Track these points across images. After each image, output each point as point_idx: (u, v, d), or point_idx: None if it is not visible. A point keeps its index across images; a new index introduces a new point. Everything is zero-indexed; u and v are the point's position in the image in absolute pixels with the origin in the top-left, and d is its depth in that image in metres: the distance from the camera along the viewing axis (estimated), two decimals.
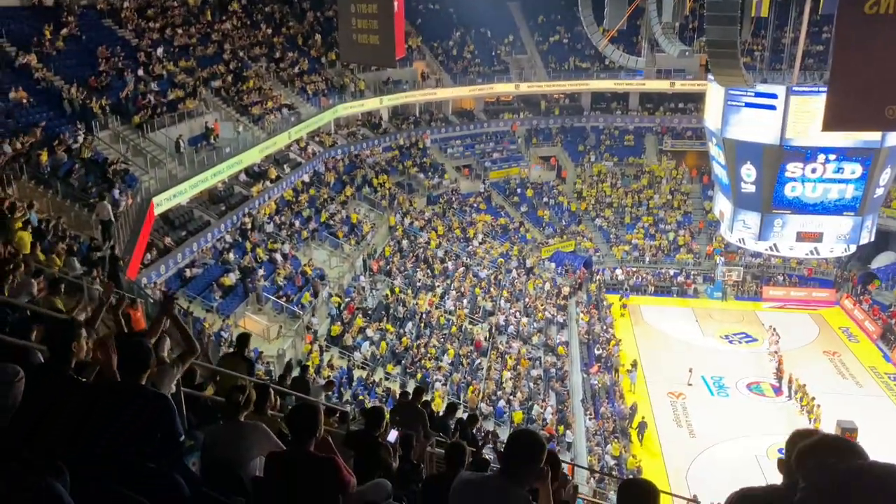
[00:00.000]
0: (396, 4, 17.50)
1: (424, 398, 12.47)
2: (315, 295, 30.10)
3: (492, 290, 38.61)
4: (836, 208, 24.44)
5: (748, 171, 24.95)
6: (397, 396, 21.40)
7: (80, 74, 27.71)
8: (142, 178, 25.52)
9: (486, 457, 8.75)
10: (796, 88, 23.57)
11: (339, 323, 29.54)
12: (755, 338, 37.62)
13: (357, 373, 27.38)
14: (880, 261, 42.70)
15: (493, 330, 34.50)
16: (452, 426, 11.93)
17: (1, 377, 3.93)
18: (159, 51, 33.17)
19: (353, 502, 4.65)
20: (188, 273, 26.59)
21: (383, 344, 29.61)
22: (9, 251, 10.81)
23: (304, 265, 31.72)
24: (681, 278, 44.07)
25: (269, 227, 32.88)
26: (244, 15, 42.64)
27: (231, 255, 29.00)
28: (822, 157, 23.54)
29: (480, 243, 43.57)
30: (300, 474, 4.33)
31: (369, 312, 31.70)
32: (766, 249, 27.65)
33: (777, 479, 3.30)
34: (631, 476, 23.07)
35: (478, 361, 31.25)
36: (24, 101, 23.98)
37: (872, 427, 25.62)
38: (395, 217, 40.96)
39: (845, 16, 12.52)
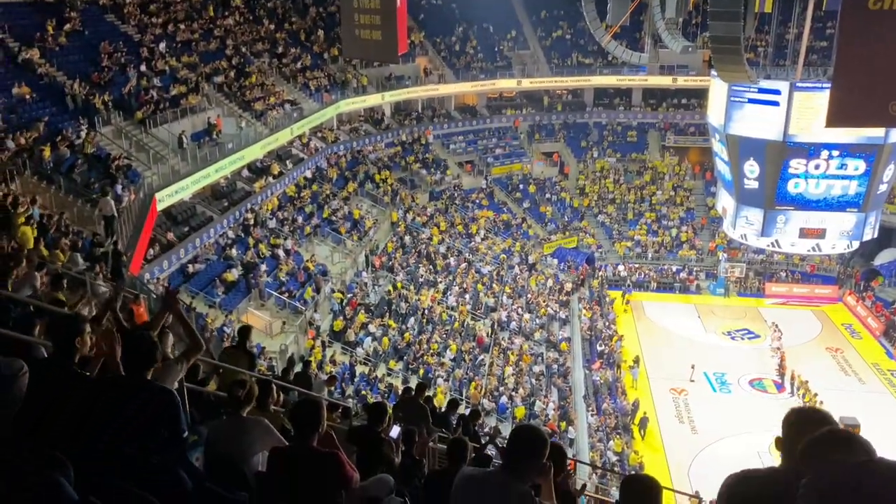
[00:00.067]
0: (399, 0, 17.48)
1: (427, 394, 12.49)
2: (317, 291, 30.11)
3: (494, 286, 38.62)
4: (839, 205, 24.38)
5: (751, 168, 24.90)
6: (400, 392, 21.42)
7: (83, 70, 27.76)
8: (144, 174, 25.55)
9: (489, 452, 8.76)
10: (800, 84, 23.50)
11: (341, 318, 29.56)
12: (758, 334, 37.60)
13: (359, 368, 27.41)
14: (883, 257, 42.62)
15: (496, 326, 34.51)
16: (454, 422, 11.94)
17: (5, 372, 3.94)
18: (162, 46, 33.17)
19: (355, 497, 4.66)
20: (191, 269, 26.62)
21: (385, 340, 29.62)
22: (12, 246, 10.83)
23: (307, 261, 31.73)
24: (683, 274, 44.04)
25: (272, 223, 32.89)
26: (247, 10, 42.64)
27: (233, 251, 29.02)
28: (825, 154, 23.47)
29: (483, 239, 43.57)
30: (303, 469, 4.34)
31: (371, 308, 31.71)
32: (768, 246, 27.62)
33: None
34: (633, 472, 23.08)
35: (480, 357, 31.29)
36: (27, 96, 24.02)
37: (875, 424, 25.56)
38: (397, 213, 40.96)
39: (849, 11, 12.50)
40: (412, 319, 32.19)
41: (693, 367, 32.92)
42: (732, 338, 37.60)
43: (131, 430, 3.72)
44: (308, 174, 38.67)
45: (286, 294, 28.51)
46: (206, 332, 19.81)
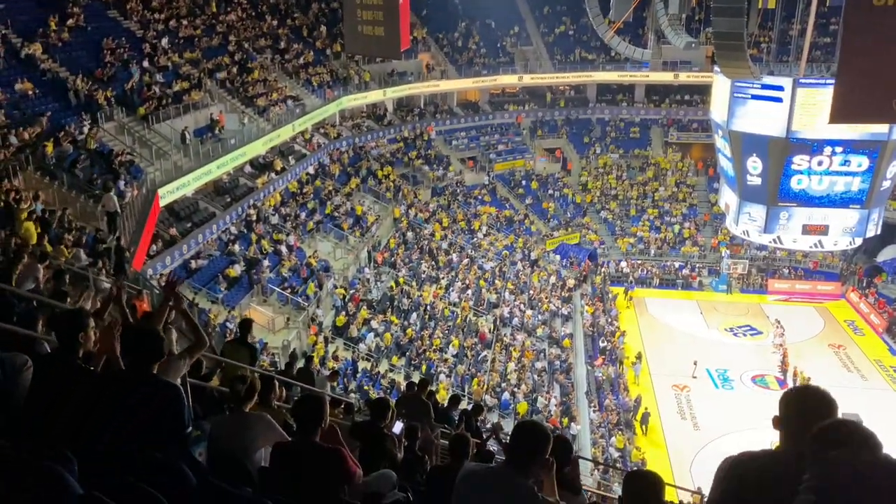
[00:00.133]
0: None
1: (429, 389, 12.50)
2: (320, 287, 30.14)
3: (496, 282, 38.62)
4: (842, 201, 24.33)
5: (754, 164, 24.85)
6: (402, 388, 21.45)
7: (86, 65, 27.74)
8: (147, 170, 25.55)
9: (491, 448, 8.77)
10: (803, 80, 23.44)
11: (343, 314, 29.60)
12: (760, 331, 37.59)
13: (362, 364, 27.45)
14: (886, 254, 42.55)
15: (498, 322, 34.54)
16: (456, 417, 11.95)
17: (10, 366, 3.96)
18: (164, 42, 33.16)
19: (358, 493, 4.68)
20: (193, 264, 26.66)
21: (388, 336, 29.66)
22: (15, 242, 10.86)
23: (309, 257, 31.76)
24: (686, 271, 44.04)
25: (274, 219, 32.92)
26: (249, 6, 42.60)
27: (236, 247, 29.07)
28: (828, 150, 23.41)
29: (485, 235, 43.57)
30: (306, 465, 4.36)
31: (374, 304, 31.74)
32: (770, 242, 27.59)
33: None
34: (635, 468, 23.09)
35: (482, 354, 31.31)
36: (30, 92, 24.01)
37: (877, 420, 25.52)
38: (399, 209, 40.97)
39: (854, 7, 12.49)
40: (414, 315, 32.22)
41: (695, 363, 32.94)
42: (735, 334, 37.59)
43: (135, 424, 3.73)
44: (311, 170, 38.67)
45: (288, 290, 28.55)
46: (208, 327, 19.84)
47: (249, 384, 5.68)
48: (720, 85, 25.69)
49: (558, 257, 44.84)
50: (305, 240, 33.44)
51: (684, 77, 50.44)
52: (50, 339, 6.11)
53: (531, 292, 39.35)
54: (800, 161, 23.83)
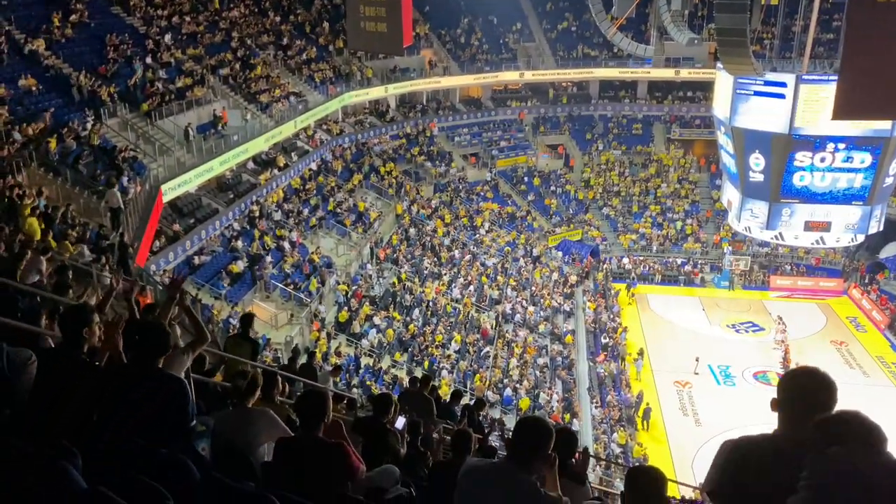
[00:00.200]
0: None
1: (431, 384, 12.52)
2: (322, 283, 30.17)
3: (498, 278, 38.63)
4: (844, 198, 24.33)
5: (756, 160, 24.85)
6: (406, 384, 21.46)
7: (89, 62, 27.78)
8: (150, 166, 25.58)
9: (493, 444, 8.80)
10: (806, 77, 23.43)
11: (346, 310, 29.63)
12: (762, 327, 37.57)
13: (364, 360, 27.47)
14: (889, 250, 42.49)
15: (500, 318, 34.54)
16: (459, 413, 11.98)
17: (14, 361, 3.98)
18: (167, 38, 33.17)
19: (361, 488, 4.70)
20: (197, 260, 26.70)
21: (390, 331, 29.69)
22: (20, 238, 10.89)
23: (312, 253, 31.78)
24: (688, 267, 44.00)
25: (277, 215, 32.94)
26: (252, 2, 42.61)
27: (239, 243, 29.10)
28: (831, 146, 23.41)
29: (487, 232, 43.57)
30: (309, 460, 4.37)
31: (376, 300, 31.76)
32: (772, 238, 27.59)
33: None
34: (637, 464, 23.12)
35: (484, 350, 31.32)
36: (33, 88, 24.04)
37: (879, 417, 25.47)
38: (402, 205, 40.98)
39: (857, 4, 12.49)
40: (417, 311, 32.24)
41: (697, 359, 32.95)
42: (737, 331, 37.58)
43: (140, 417, 3.75)
44: (313, 166, 38.69)
45: (291, 286, 28.58)
46: (211, 324, 19.88)
47: (251, 379, 5.71)
48: (723, 81, 25.68)
49: (560, 254, 44.83)
50: (308, 236, 33.46)
51: (686, 73, 50.35)
52: (53, 333, 6.15)
53: (533, 289, 39.37)
54: (802, 157, 23.83)
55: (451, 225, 42.29)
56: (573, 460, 5.40)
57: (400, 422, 7.14)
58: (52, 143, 21.40)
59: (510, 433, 4.28)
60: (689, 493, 19.35)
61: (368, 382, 25.27)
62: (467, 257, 39.61)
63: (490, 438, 9.39)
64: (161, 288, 15.89)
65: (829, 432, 2.73)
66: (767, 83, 23.67)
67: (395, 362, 28.45)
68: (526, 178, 49.57)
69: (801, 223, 25.15)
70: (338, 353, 26.42)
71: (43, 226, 13.42)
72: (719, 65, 24.62)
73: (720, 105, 26.46)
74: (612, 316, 38.36)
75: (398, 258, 36.23)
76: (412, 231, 39.68)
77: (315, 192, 36.82)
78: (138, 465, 3.42)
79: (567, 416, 27.84)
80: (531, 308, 36.62)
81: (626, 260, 44.80)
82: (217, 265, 27.35)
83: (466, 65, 50.54)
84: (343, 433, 5.25)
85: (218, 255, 27.89)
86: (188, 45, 34.44)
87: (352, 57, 44.67)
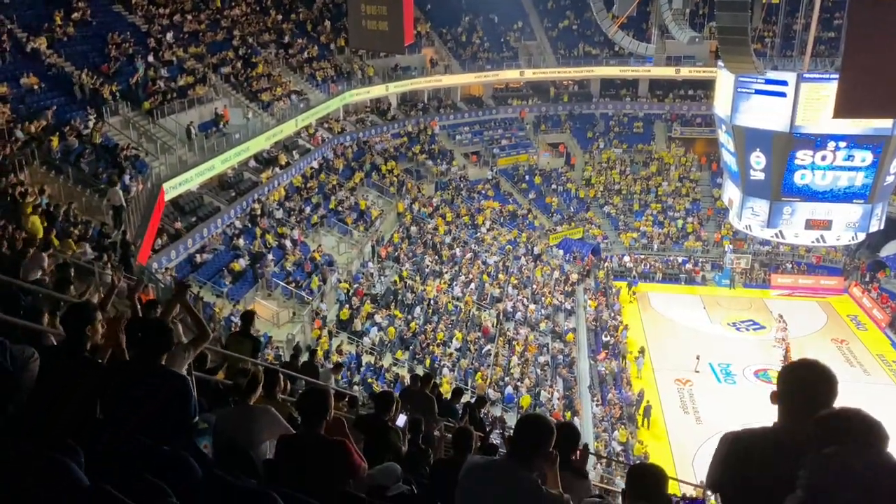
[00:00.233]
0: None
1: (433, 382, 12.53)
2: (324, 281, 30.21)
3: (500, 276, 38.64)
4: (845, 196, 24.31)
5: (757, 159, 24.84)
6: (407, 382, 21.48)
7: (91, 60, 27.80)
8: (152, 164, 25.61)
9: (494, 442, 8.83)
10: (807, 75, 23.42)
11: (347, 308, 29.66)
12: (763, 325, 37.57)
13: (366, 358, 27.50)
14: (889, 249, 42.48)
15: (501, 316, 34.55)
16: (459, 410, 12.00)
17: (17, 358, 4.00)
18: (169, 36, 33.19)
19: (363, 485, 4.72)
20: (198, 258, 26.75)
21: (391, 329, 29.71)
22: (23, 236, 10.93)
23: (313, 251, 31.81)
24: (689, 265, 44.00)
25: (279, 214, 32.99)
26: (253, 1, 42.61)
27: (241, 241, 29.14)
28: (832, 145, 23.40)
29: (488, 230, 43.58)
30: (311, 457, 4.39)
31: (378, 298, 31.79)
32: (772, 236, 27.59)
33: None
34: (638, 462, 23.13)
35: (486, 348, 31.33)
36: (35, 86, 24.06)
37: (879, 415, 25.49)
38: (403, 203, 41.00)
39: (858, 2, 12.46)
40: (418, 309, 32.27)
41: (698, 357, 32.93)
42: (738, 329, 37.58)
43: (143, 414, 3.78)
44: (315, 165, 38.72)
45: (293, 284, 28.62)
46: (213, 321, 19.91)
47: (251, 376, 5.73)
48: (724, 80, 25.67)
49: (561, 252, 44.82)
50: (309, 234, 33.50)
51: (687, 72, 50.34)
52: (54, 331, 6.18)
53: (534, 287, 39.37)
54: (803, 156, 23.82)
55: (452, 223, 42.31)
56: (574, 456, 5.43)
57: (401, 419, 7.16)
58: (55, 142, 21.44)
59: (510, 431, 4.30)
60: (690, 491, 19.38)
61: (370, 380, 25.32)
62: (468, 255, 39.63)
63: (491, 436, 9.40)
64: (163, 286, 15.93)
65: (830, 429, 2.73)
66: (768, 81, 23.66)
67: (396, 360, 28.48)
68: (527, 177, 49.57)
69: (802, 221, 25.14)
70: (339, 351, 26.46)
71: (45, 224, 13.46)
72: (720, 63, 24.60)
73: (721, 103, 26.45)
74: (613, 314, 38.37)
75: (399, 256, 36.26)
76: (413, 229, 39.70)
77: (316, 190, 36.85)
78: (141, 463, 3.44)
79: (568, 414, 27.85)
80: (532, 306, 36.62)
81: (627, 258, 44.80)
82: (219, 263, 27.40)
83: (468, 63, 50.54)
84: (346, 431, 5.27)
85: (219, 254, 27.93)
86: (190, 43, 34.45)
87: (353, 55, 44.69)
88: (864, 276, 41.73)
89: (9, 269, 8.42)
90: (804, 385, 3.02)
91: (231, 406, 5.83)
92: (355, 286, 31.63)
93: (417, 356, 28.99)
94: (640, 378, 32.51)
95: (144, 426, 3.76)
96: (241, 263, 27.93)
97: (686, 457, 26.45)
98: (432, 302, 33.36)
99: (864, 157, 23.50)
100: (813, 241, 27.18)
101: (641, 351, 33.78)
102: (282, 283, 28.43)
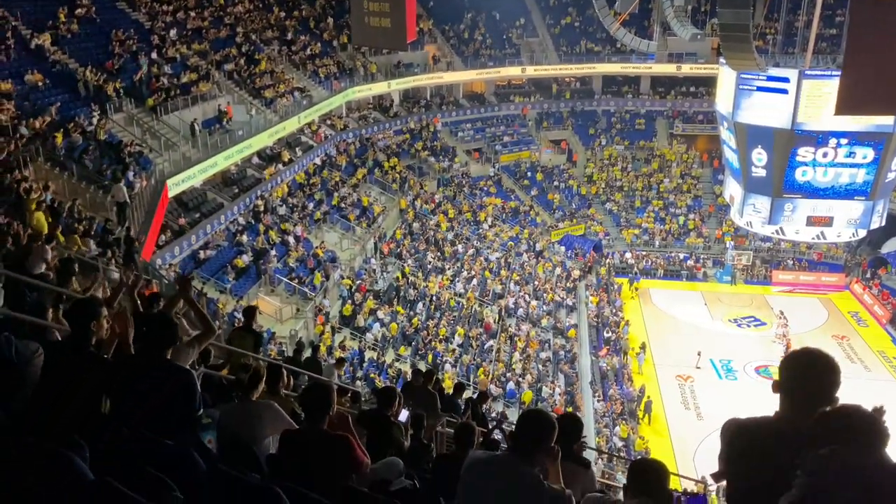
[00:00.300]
0: None
1: (435, 378, 12.57)
2: (326, 277, 30.27)
3: (501, 272, 38.68)
4: (847, 193, 24.28)
5: (759, 156, 24.82)
6: (409, 377, 21.54)
7: (95, 57, 27.85)
8: (156, 161, 25.67)
9: (496, 437, 8.86)
10: (809, 72, 23.39)
11: (350, 304, 29.72)
12: (764, 321, 37.60)
13: (368, 354, 27.58)
14: (890, 245, 42.47)
15: (503, 312, 34.58)
16: (462, 406, 12.05)
17: (22, 353, 4.05)
18: (172, 33, 33.23)
19: (365, 480, 4.78)
20: (202, 255, 26.81)
21: (394, 326, 29.78)
22: (28, 233, 10.97)
23: (316, 247, 31.87)
24: (690, 262, 44.02)
25: (282, 210, 33.04)
26: None
27: (244, 238, 29.20)
28: (833, 142, 23.36)
29: (490, 226, 43.61)
30: (314, 452, 4.43)
31: (380, 294, 31.85)
32: (773, 233, 27.59)
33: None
34: (639, 457, 23.18)
35: (488, 343, 31.39)
36: (40, 83, 24.11)
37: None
38: (405, 200, 41.03)
39: (859, 1, 12.48)
40: (420, 305, 32.32)
41: (699, 353, 32.97)
42: (739, 325, 37.61)
43: (148, 408, 3.83)
44: (317, 161, 38.76)
45: (296, 280, 28.69)
46: (216, 317, 19.98)
47: (253, 371, 5.78)
48: (726, 76, 25.63)
49: (563, 248, 44.87)
50: (312, 230, 33.55)
51: (689, 69, 50.30)
52: (59, 326, 6.23)
53: (536, 283, 39.41)
54: (805, 153, 23.79)
55: (454, 220, 42.34)
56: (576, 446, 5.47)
57: (403, 415, 7.21)
58: (59, 138, 21.49)
59: (512, 426, 4.35)
60: (691, 486, 19.44)
61: (372, 376, 25.39)
62: (470, 252, 39.67)
63: (495, 432, 9.44)
64: (167, 282, 16.00)
65: (831, 426, 2.75)
66: (770, 78, 23.63)
67: (398, 356, 28.55)
68: (529, 173, 49.57)
69: (804, 218, 25.11)
70: (342, 347, 26.55)
71: (50, 220, 13.51)
72: (722, 60, 24.56)
73: (723, 100, 26.43)
74: (614, 310, 38.42)
75: (402, 252, 36.31)
76: (416, 225, 39.74)
77: (319, 186, 36.90)
78: (145, 457, 3.50)
79: (569, 410, 27.89)
80: (534, 302, 36.66)
81: (628, 255, 44.85)
82: (222, 259, 27.46)
83: (470, 60, 50.55)
84: (350, 426, 5.32)
85: (223, 250, 28.00)
86: (193, 40, 34.49)
87: (356, 52, 44.72)
88: (865, 273, 41.72)
89: (13, 264, 8.46)
90: (806, 374, 3.01)
91: (235, 402, 5.89)
92: (358, 282, 31.69)
93: (420, 352, 29.07)
94: (642, 374, 32.57)
95: (150, 420, 3.81)
96: (244, 260, 28.00)
97: (687, 452, 26.52)
98: (434, 298, 33.42)
99: (866, 153, 23.47)
100: (814, 238, 27.16)
101: (643, 347, 33.84)
102: (285, 280, 28.50)
